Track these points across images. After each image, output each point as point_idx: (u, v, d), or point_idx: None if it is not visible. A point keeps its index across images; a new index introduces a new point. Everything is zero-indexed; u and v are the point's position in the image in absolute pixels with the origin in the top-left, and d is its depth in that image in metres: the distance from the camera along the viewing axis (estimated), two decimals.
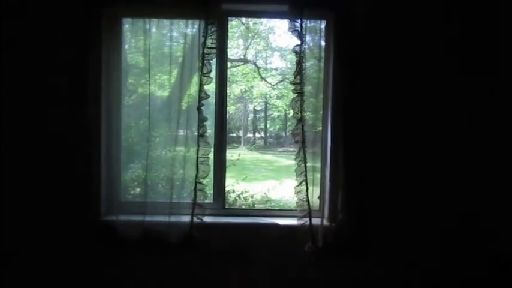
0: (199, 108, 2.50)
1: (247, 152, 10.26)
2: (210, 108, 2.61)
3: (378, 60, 2.49)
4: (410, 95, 2.52)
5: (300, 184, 2.55)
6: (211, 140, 2.65)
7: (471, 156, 2.49)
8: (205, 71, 2.49)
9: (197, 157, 2.53)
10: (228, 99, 2.79)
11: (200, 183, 2.55)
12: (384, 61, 2.50)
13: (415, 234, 2.51)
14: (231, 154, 5.76)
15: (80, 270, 2.49)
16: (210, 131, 2.58)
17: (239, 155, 5.65)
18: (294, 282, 2.53)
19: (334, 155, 2.56)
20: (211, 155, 2.56)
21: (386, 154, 2.55)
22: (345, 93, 2.49)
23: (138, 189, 2.64)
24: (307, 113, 2.57)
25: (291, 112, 2.54)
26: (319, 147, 2.59)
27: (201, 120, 2.51)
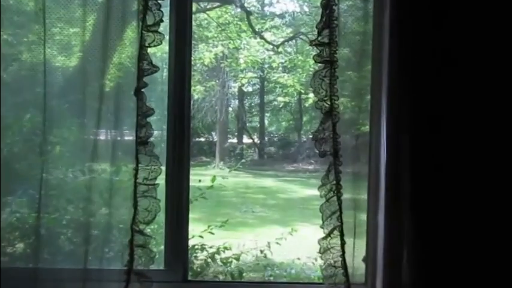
0: (138, 91, 2.52)
1: (228, 173, 10.05)
2: (158, 90, 2.69)
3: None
4: None
5: (329, 235, 2.58)
6: (162, 152, 2.67)
7: None
8: (149, 21, 2.53)
9: (135, 184, 2.55)
10: (192, 74, 2.77)
11: (141, 232, 2.56)
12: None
13: None
14: (198, 177, 5.58)
15: None
16: (158, 134, 2.63)
17: (213, 178, 5.29)
18: None
19: (393, 179, 2.57)
20: (161, 181, 2.58)
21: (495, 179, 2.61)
22: (417, 63, 2.50)
23: (21, 245, 2.65)
24: (344, 100, 2.61)
25: (311, 97, 2.59)
26: (366, 164, 2.65)
27: (143, 113, 2.53)
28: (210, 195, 5.47)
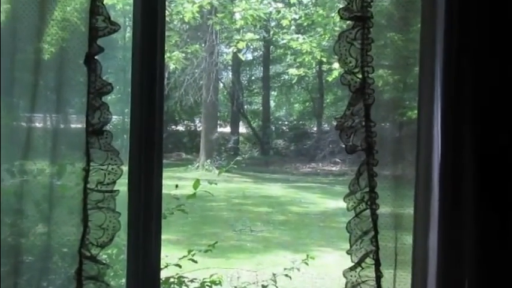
0: (89, 60, 2.52)
1: (218, 176, 10.04)
2: (118, 58, 2.96)
3: None
4: None
5: (359, 264, 2.60)
6: (124, 146, 2.71)
7: None
8: None
9: (85, 190, 2.55)
10: (167, 35, 2.75)
11: (93, 259, 2.55)
12: None
13: None
14: (175, 182, 5.49)
15: None
16: (118, 121, 2.86)
17: (196, 184, 4.97)
18: None
19: (451, 185, 2.59)
20: (122, 186, 2.59)
21: None
22: (486, 20, 2.54)
23: None
24: (382, 73, 2.65)
25: (336, 69, 2.67)
26: (412, 164, 2.67)
27: (96, 90, 2.53)
28: (192, 207, 5.37)
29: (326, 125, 15.69)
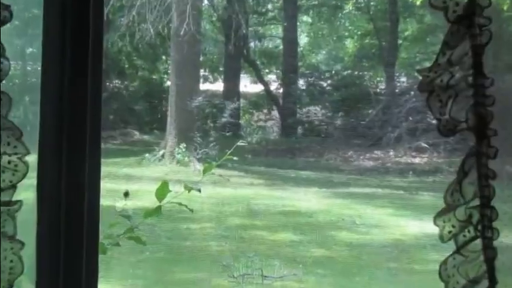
0: None
1: (201, 175, 6.69)
2: None
3: None
4: None
5: None
6: (27, 121, 2.20)
7: None
8: None
9: None
10: None
11: None
12: None
13: None
14: (122, 184, 4.37)
15: None
16: (16, 70, 2.23)
17: (162, 189, 3.80)
18: None
19: None
20: (27, 193, 2.04)
21: None
22: None
23: None
24: None
25: None
26: None
27: None
28: (154, 232, 4.19)
29: (403, 80, 9.39)
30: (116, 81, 9.19)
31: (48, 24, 2.01)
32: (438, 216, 1.85)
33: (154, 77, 10.27)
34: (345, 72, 9.72)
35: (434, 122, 1.88)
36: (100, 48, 2.01)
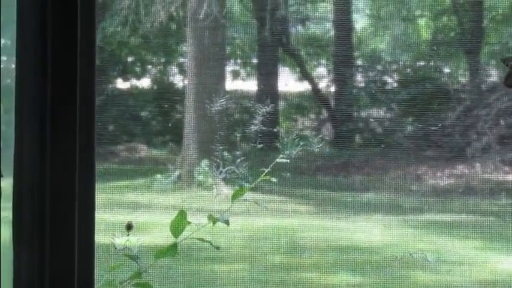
0: None
1: (229, 202, 6.09)
2: None
3: None
4: None
5: None
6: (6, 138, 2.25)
7: None
8: None
9: None
10: None
11: None
12: None
13: None
14: (125, 214, 4.24)
15: None
16: None
17: (179, 221, 3.55)
18: None
19: None
20: (3, 229, 2.02)
21: None
22: None
23: None
24: None
25: None
26: None
27: None
28: (168, 275, 3.90)
29: (492, 73, 8.03)
30: (117, 80, 8.50)
31: (23, 8, 1.82)
32: None
33: (161, 76, 9.43)
34: (416, 64, 8.73)
35: None
36: (92, 38, 1.78)
